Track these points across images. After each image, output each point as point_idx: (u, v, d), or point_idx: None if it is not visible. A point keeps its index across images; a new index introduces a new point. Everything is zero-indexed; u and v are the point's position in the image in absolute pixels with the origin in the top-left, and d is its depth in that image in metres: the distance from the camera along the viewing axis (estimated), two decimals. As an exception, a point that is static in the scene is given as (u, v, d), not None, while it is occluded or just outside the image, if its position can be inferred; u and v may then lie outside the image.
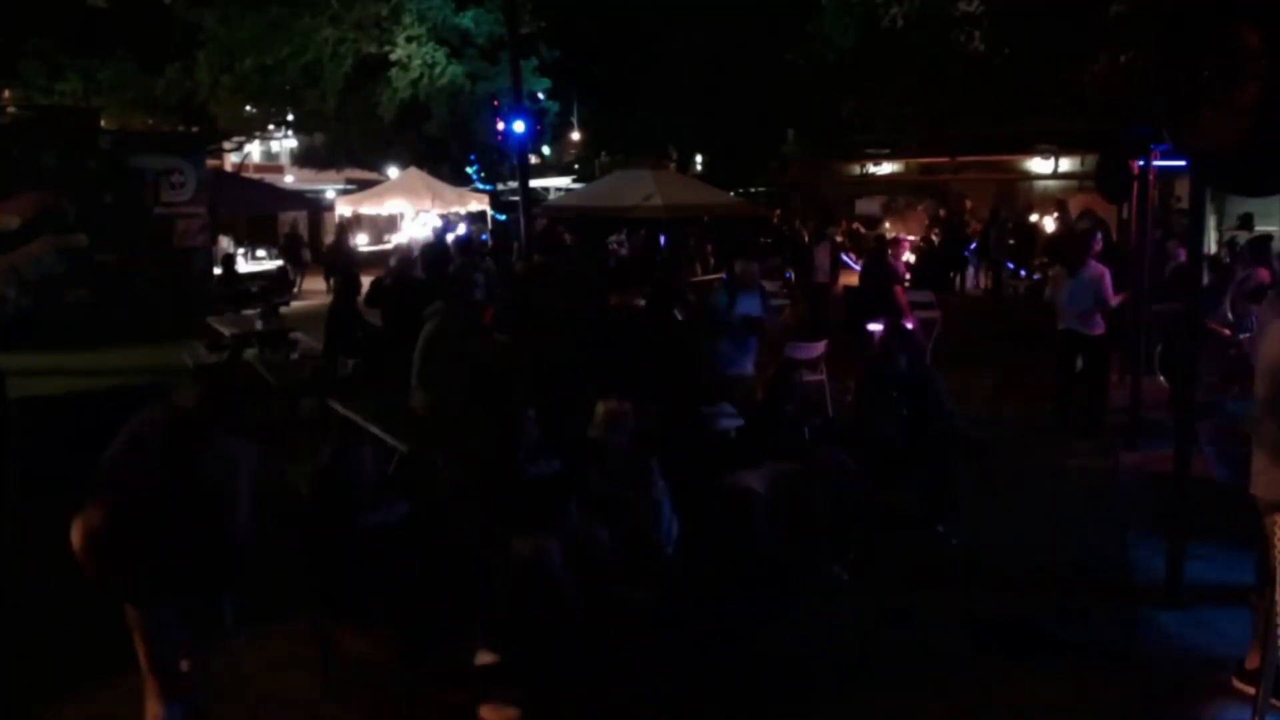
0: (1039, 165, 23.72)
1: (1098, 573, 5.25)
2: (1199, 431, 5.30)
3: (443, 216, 22.77)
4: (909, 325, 8.80)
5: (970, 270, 19.36)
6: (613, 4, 21.71)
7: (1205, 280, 9.85)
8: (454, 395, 5.73)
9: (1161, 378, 8.38)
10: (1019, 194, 23.62)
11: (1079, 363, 7.96)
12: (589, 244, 17.57)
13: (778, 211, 24.93)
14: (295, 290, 18.97)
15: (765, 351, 7.82)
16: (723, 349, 7.21)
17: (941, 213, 22.16)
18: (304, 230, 25.60)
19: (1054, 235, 16.48)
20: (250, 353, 9.89)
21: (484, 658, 3.66)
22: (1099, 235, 8.43)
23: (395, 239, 23.49)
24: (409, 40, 18.81)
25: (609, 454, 4.80)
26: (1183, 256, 8.10)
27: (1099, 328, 7.74)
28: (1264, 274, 9.71)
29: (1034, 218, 19.51)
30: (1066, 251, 8.67)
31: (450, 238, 18.07)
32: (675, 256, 16.89)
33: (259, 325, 10.39)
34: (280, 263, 20.70)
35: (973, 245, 18.92)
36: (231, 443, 3.33)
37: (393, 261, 12.37)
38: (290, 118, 23.22)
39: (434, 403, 5.85)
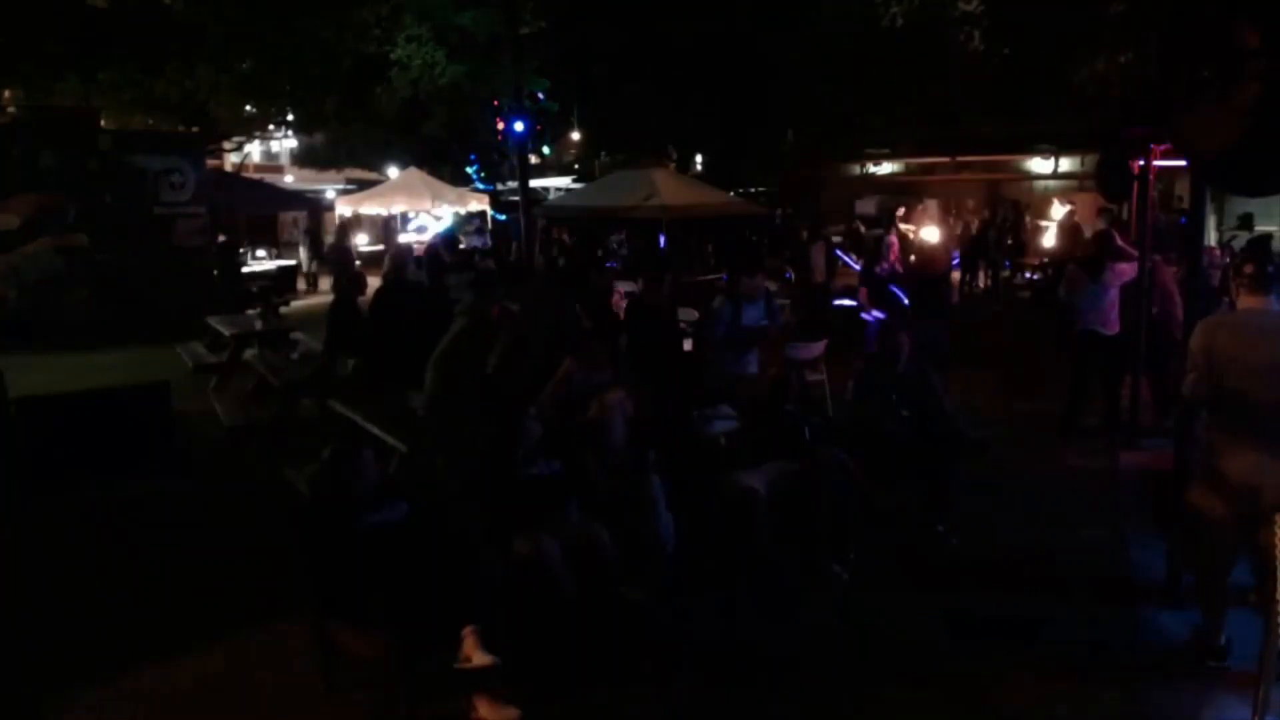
0: (1039, 165, 23.74)
1: (1098, 573, 5.25)
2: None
3: (439, 217, 22.73)
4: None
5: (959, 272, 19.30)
6: (613, 4, 21.71)
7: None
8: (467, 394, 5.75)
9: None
10: (1020, 194, 23.64)
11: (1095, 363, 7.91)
12: (586, 244, 17.64)
13: (779, 211, 24.94)
14: (311, 286, 19.08)
15: (767, 351, 7.81)
16: (725, 358, 7.16)
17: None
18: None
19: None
20: (250, 353, 9.89)
21: (483, 658, 3.66)
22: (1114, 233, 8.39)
23: (396, 239, 23.51)
24: (409, 40, 18.82)
25: (607, 447, 4.81)
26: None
27: (1115, 327, 7.73)
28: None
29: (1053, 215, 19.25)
30: (1087, 251, 8.56)
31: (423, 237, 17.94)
32: (675, 256, 16.90)
33: (259, 325, 10.39)
34: (280, 263, 20.74)
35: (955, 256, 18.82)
36: None
37: (386, 263, 12.38)
38: (290, 118, 23.22)
39: (436, 402, 5.85)
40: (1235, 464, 3.93)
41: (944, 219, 20.62)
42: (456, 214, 23.36)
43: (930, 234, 11.30)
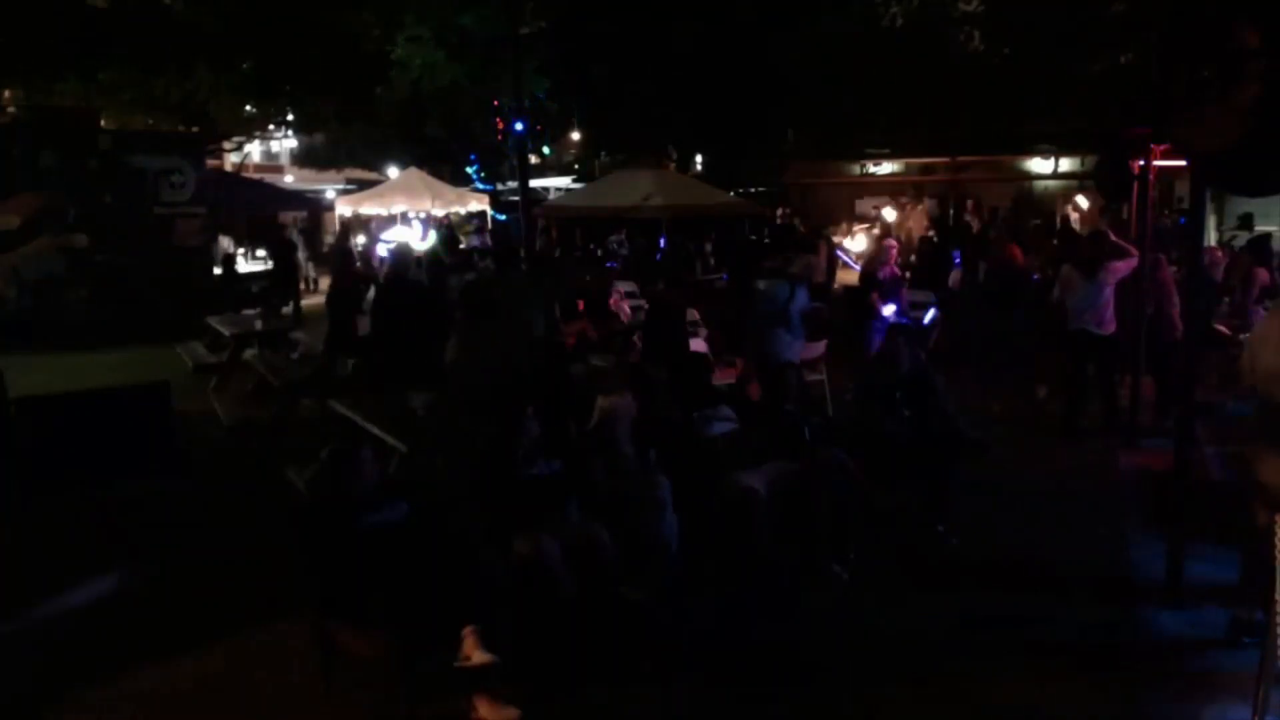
0: (1039, 165, 23.71)
1: (1098, 573, 5.25)
2: (1199, 431, 5.30)
3: (425, 220, 22.57)
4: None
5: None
6: (613, 4, 21.72)
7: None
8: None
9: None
10: (1019, 194, 23.61)
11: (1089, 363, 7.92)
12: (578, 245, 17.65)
13: (780, 211, 24.93)
14: (308, 286, 19.09)
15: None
16: (780, 336, 7.47)
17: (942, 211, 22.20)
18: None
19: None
20: (250, 353, 9.88)
21: (483, 658, 3.66)
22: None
23: (394, 238, 23.48)
24: (409, 40, 18.81)
25: (611, 449, 4.81)
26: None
27: (1111, 327, 7.72)
28: (1263, 274, 9.71)
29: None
30: (1079, 251, 8.58)
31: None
32: (675, 256, 16.92)
33: (259, 325, 10.39)
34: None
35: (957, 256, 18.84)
36: None
37: (385, 267, 12.40)
38: (290, 118, 23.23)
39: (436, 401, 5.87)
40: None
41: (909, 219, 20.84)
42: (443, 224, 23.11)
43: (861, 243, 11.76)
